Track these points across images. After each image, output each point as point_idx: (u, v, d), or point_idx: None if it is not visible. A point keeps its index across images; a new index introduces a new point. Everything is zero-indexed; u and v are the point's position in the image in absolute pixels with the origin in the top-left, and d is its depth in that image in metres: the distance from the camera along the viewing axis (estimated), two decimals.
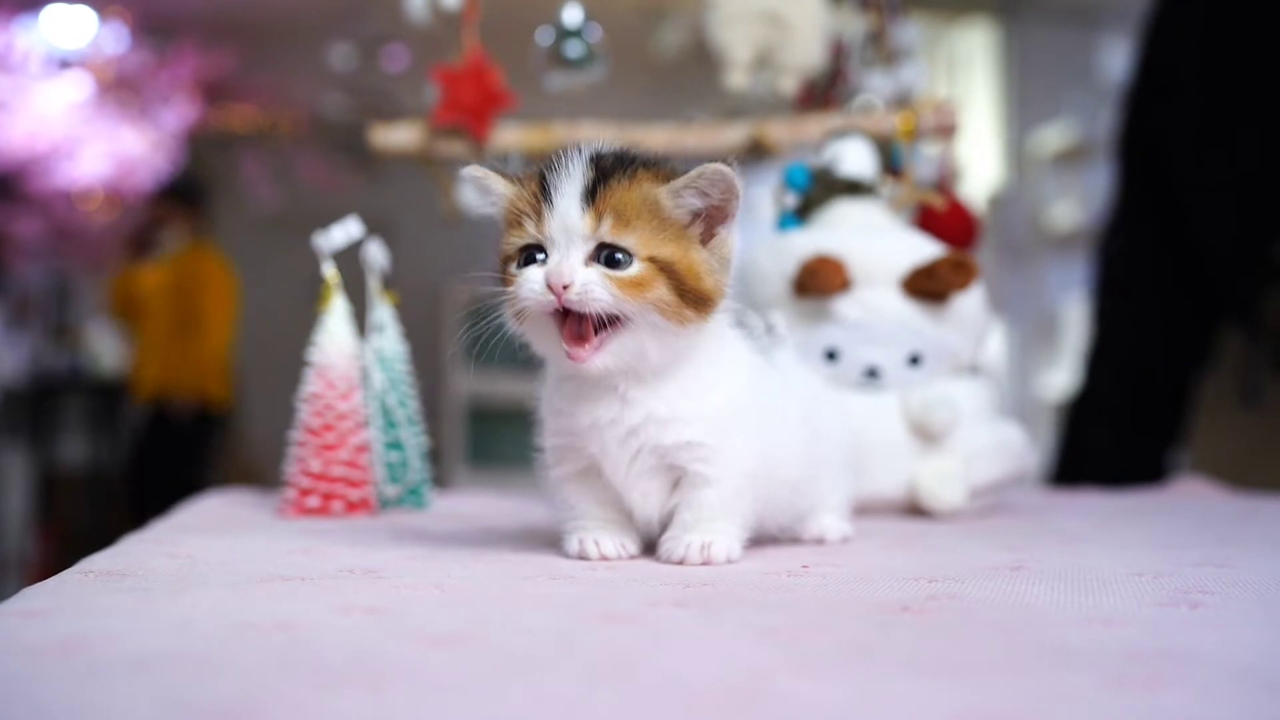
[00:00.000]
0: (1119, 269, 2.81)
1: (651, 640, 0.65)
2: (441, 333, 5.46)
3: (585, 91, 2.00)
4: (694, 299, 0.97)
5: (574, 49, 1.93)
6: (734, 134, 2.01)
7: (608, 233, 0.95)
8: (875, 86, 2.01)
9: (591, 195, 0.96)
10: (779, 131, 1.98)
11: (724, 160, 0.96)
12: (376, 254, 1.53)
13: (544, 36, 1.92)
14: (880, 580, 0.88)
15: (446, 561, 0.98)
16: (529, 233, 0.98)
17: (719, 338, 1.03)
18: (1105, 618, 0.71)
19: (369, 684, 0.55)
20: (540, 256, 0.97)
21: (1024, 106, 5.68)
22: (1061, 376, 5.00)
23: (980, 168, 5.43)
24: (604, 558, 1.02)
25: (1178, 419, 2.77)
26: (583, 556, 1.03)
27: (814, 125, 1.93)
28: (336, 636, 0.64)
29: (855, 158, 1.64)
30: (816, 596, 0.80)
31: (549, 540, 1.13)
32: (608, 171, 0.97)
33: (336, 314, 1.49)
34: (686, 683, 0.56)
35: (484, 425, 5.34)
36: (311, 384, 1.46)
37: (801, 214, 1.63)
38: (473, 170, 1.03)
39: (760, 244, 1.61)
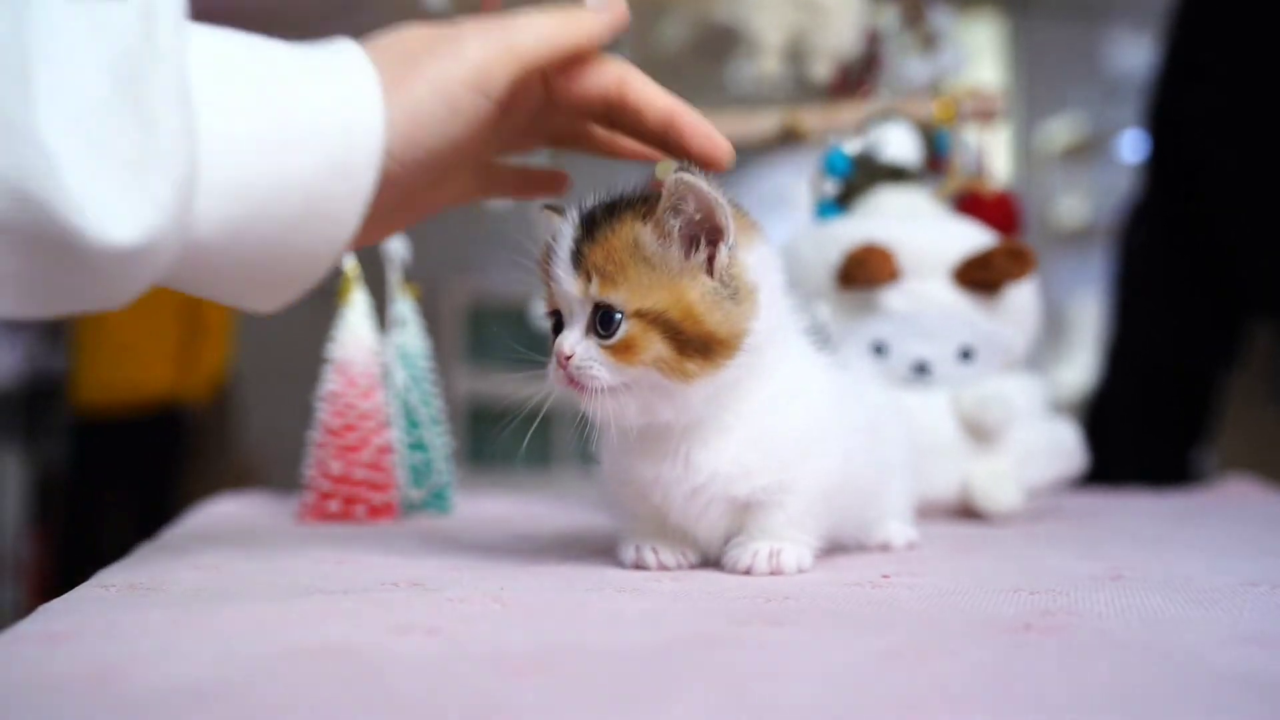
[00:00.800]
0: (1142, 263, 2.74)
1: (762, 664, 0.57)
2: (440, 330, 5.38)
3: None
4: (698, 347, 0.85)
5: None
6: (765, 121, 1.93)
7: (597, 292, 0.85)
8: (912, 73, 1.94)
9: (579, 254, 0.86)
10: (812, 119, 1.91)
11: (680, 166, 0.85)
12: (397, 246, 1.46)
13: None
14: (975, 592, 0.80)
15: (494, 572, 0.90)
16: (549, 303, 0.92)
17: (781, 360, 0.92)
18: (1259, 638, 0.64)
19: None
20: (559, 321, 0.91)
21: (1031, 101, 5.62)
22: (1071, 374, 4.94)
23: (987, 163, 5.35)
24: (663, 567, 0.94)
25: (1204, 417, 2.70)
26: (640, 566, 0.95)
27: (848, 113, 1.86)
28: (401, 664, 0.57)
29: (899, 143, 1.56)
30: (916, 611, 0.73)
31: (596, 548, 1.05)
32: (594, 224, 0.87)
33: (357, 308, 1.41)
34: (827, 714, 0.48)
35: (483, 426, 5.26)
36: (331, 381, 1.38)
37: (842, 201, 1.55)
38: (544, 216, 0.93)
39: (801, 233, 1.53)
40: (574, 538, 1.16)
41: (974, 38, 5.78)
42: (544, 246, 0.91)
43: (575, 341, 0.87)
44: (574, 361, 0.86)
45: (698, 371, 0.86)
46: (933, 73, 1.93)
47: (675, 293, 0.85)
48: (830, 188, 1.55)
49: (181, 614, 0.68)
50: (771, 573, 0.91)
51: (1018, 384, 1.46)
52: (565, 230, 0.88)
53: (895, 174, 1.54)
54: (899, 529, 1.10)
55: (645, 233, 0.85)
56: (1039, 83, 5.54)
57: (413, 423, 1.44)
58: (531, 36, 0.81)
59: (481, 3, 1.96)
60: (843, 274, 1.42)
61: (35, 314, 0.68)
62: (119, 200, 0.63)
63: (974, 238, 1.45)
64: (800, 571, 0.92)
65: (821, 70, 1.94)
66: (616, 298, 0.85)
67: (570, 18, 0.84)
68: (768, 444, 0.91)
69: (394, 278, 1.47)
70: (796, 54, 1.97)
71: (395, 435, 1.41)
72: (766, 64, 1.97)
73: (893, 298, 1.42)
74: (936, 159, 1.61)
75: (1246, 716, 0.49)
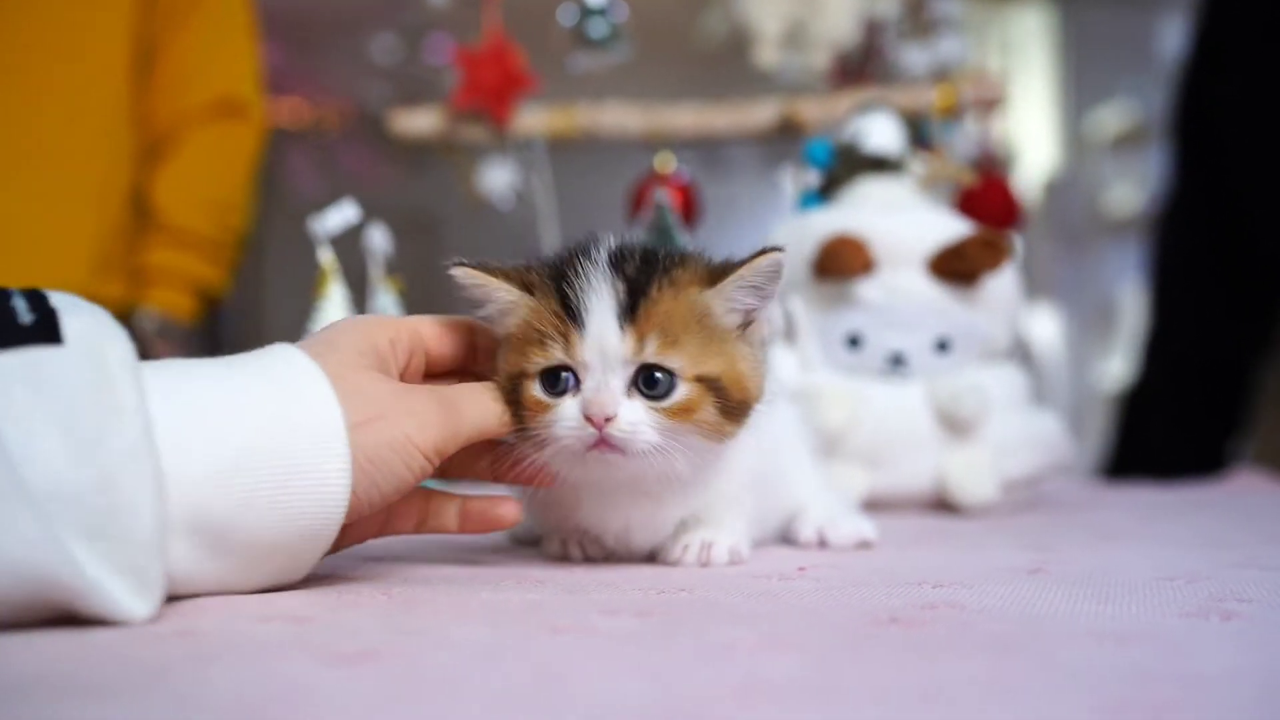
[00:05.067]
0: (1177, 254, 2.69)
1: (586, 657, 0.57)
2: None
3: (610, 72, 1.93)
4: (737, 409, 0.85)
5: (597, 28, 1.85)
6: (764, 112, 1.93)
7: (654, 354, 0.82)
8: (912, 61, 1.92)
9: (631, 311, 0.82)
10: (811, 110, 1.89)
11: (774, 246, 0.85)
12: (378, 239, 1.47)
13: (567, 16, 1.85)
14: (878, 585, 0.79)
15: (405, 567, 0.90)
16: (554, 356, 0.83)
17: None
18: (1121, 632, 0.62)
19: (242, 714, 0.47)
20: (565, 376, 0.84)
21: (1081, 89, 5.52)
22: (1119, 365, 4.85)
23: (1037, 152, 5.28)
24: (588, 559, 0.94)
25: (1240, 409, 2.65)
26: (564, 558, 0.95)
27: (847, 103, 1.84)
28: (244, 647, 0.57)
29: (881, 132, 1.54)
30: (801, 605, 0.72)
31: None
32: (644, 280, 0.83)
33: (334, 302, 1.42)
34: (608, 709, 0.48)
35: None
36: None
37: (824, 192, 1.54)
38: (464, 274, 0.86)
39: (778, 225, 1.52)
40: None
41: (1021, 26, 5.70)
42: (551, 295, 0.84)
43: (619, 402, 0.82)
44: (620, 423, 0.82)
45: (733, 432, 0.86)
46: (933, 60, 1.91)
47: (729, 360, 0.85)
48: (812, 178, 1.54)
49: None
50: (701, 564, 0.90)
51: (995, 375, 1.45)
52: (592, 285, 0.83)
53: (877, 164, 1.52)
54: (850, 526, 1.06)
55: (714, 301, 0.85)
56: (1088, 70, 5.44)
57: None
58: (471, 424, 0.81)
59: (481, 1, 1.97)
60: (817, 265, 1.41)
61: None
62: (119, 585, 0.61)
63: (949, 228, 1.43)
64: (733, 564, 0.91)
65: (820, 60, 1.93)
66: (675, 362, 0.83)
67: (496, 411, 0.83)
68: (733, 476, 0.92)
69: (375, 270, 1.48)
70: (796, 43, 1.96)
71: None
72: (764, 54, 1.96)
73: (867, 289, 1.41)
74: (922, 149, 1.58)
75: (1053, 712, 0.48)
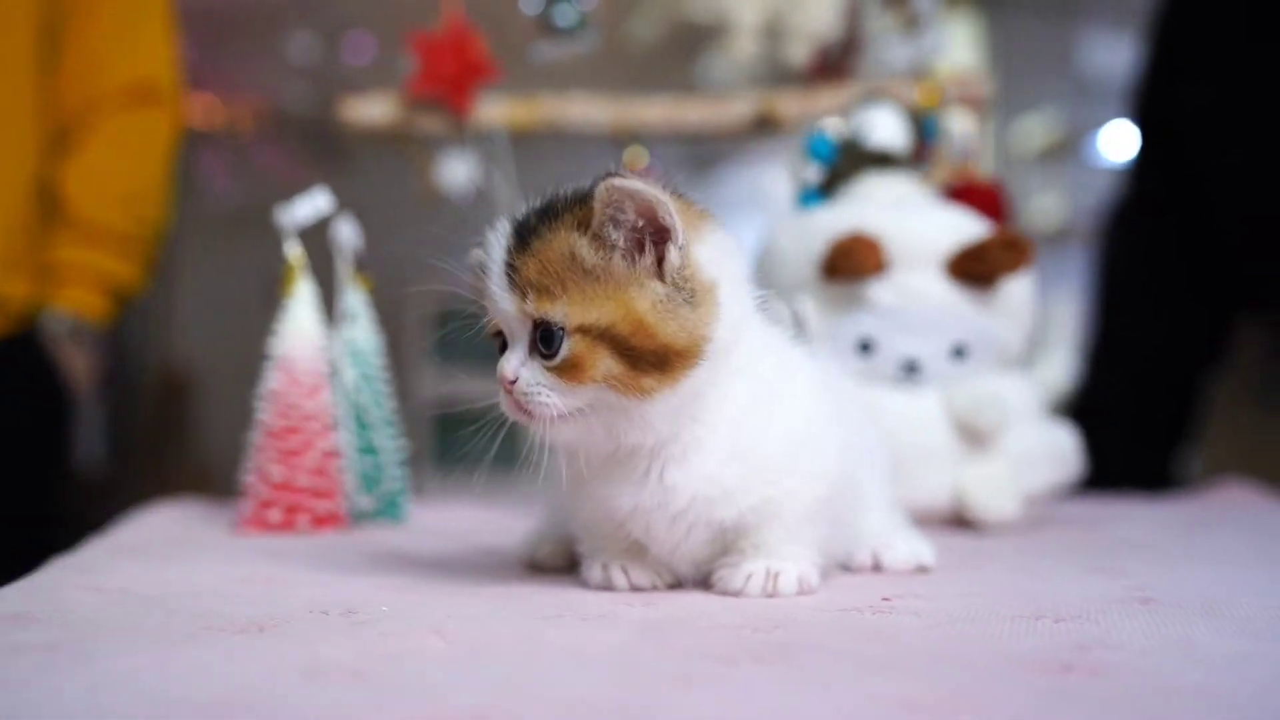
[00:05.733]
0: (1126, 263, 2.66)
1: (742, 715, 0.47)
2: (404, 331, 5.25)
3: (576, 62, 1.83)
4: (653, 360, 0.76)
5: (565, 15, 1.74)
6: (740, 106, 1.83)
7: (534, 308, 0.76)
8: (893, 56, 1.84)
9: (512, 267, 0.78)
10: (789, 105, 1.81)
11: (608, 172, 0.77)
12: (347, 233, 1.35)
13: (531, 3, 1.74)
14: (993, 620, 0.70)
15: (442, 596, 0.79)
16: (490, 321, 0.82)
17: (753, 358, 0.81)
18: None
19: None
20: (502, 340, 0.82)
21: (1005, 99, 5.54)
22: (1048, 374, 4.86)
23: (974, 152, 5.26)
24: (635, 588, 0.84)
25: (1188, 419, 2.63)
26: (608, 587, 0.84)
27: (827, 98, 1.76)
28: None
29: (885, 127, 1.46)
30: (926, 646, 0.62)
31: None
32: (527, 233, 0.78)
33: (302, 300, 1.30)
34: None
35: (451, 429, 5.13)
36: (273, 379, 1.26)
37: (825, 189, 1.45)
38: (477, 253, 0.83)
39: (781, 223, 1.43)
40: None
41: (951, 33, 5.70)
42: (476, 262, 0.82)
43: (518, 365, 0.78)
44: (518, 387, 0.77)
45: (656, 386, 0.76)
46: (914, 56, 1.83)
47: (622, 304, 0.76)
48: (813, 174, 1.45)
49: (56, 655, 0.57)
50: (767, 595, 0.80)
51: (1013, 384, 1.37)
52: (497, 242, 0.79)
53: (882, 159, 1.43)
54: (907, 548, 0.96)
55: (582, 243, 0.77)
56: (1014, 80, 5.46)
57: (363, 425, 1.33)
58: None
59: None
60: (827, 265, 1.32)
61: None
62: None
63: (967, 227, 1.35)
64: (801, 594, 0.81)
65: (799, 53, 1.85)
66: (555, 313, 0.76)
67: None
68: (750, 458, 0.80)
69: (343, 268, 1.36)
70: (774, 36, 1.87)
71: (344, 438, 1.30)
72: (742, 46, 1.87)
73: (880, 291, 1.32)
74: (923, 145, 1.50)
75: None
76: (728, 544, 0.83)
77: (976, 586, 0.86)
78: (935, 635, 0.65)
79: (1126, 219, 2.65)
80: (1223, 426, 2.81)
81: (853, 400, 0.98)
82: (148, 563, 0.93)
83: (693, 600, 0.80)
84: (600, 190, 0.76)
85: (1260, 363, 2.79)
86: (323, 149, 6.14)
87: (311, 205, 1.28)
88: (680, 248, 0.77)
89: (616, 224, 0.77)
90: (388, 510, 1.33)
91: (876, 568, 0.95)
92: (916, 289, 1.32)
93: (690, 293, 0.77)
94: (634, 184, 0.76)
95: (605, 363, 0.76)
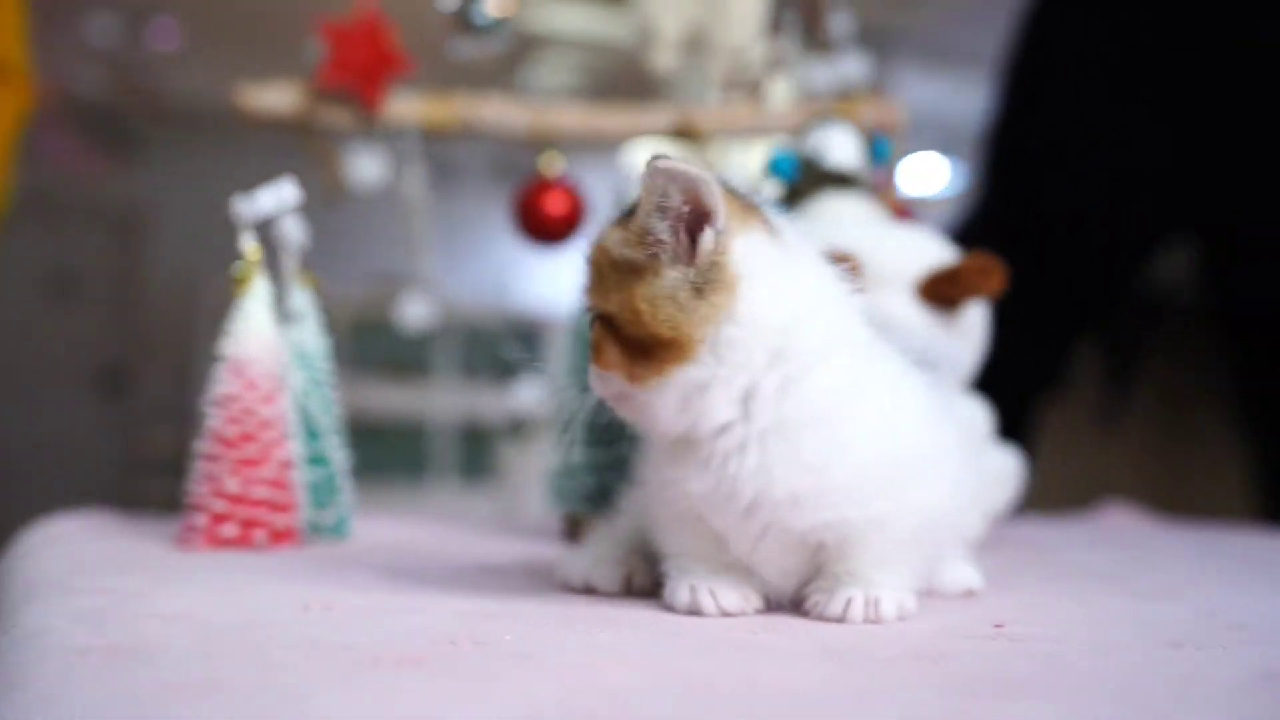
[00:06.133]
0: None
1: None
2: (195, 334, 4.99)
3: (492, 62, 1.77)
4: (643, 351, 0.76)
5: (481, 14, 1.69)
6: (657, 118, 1.81)
7: (585, 297, 0.81)
8: (814, 77, 1.85)
9: (589, 259, 0.82)
10: (707, 118, 1.80)
11: (655, 155, 0.77)
12: (293, 229, 1.26)
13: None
14: (1133, 647, 0.70)
15: (548, 625, 0.74)
16: None
17: (825, 361, 0.79)
18: None
19: None
20: None
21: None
22: None
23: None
24: (725, 613, 0.80)
25: (1022, 442, 2.73)
26: (696, 611, 0.80)
27: (745, 114, 1.76)
28: None
29: (841, 147, 1.46)
30: (1091, 673, 0.61)
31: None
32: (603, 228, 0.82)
33: (257, 298, 1.21)
34: None
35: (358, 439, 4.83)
36: (227, 383, 1.17)
37: (783, 205, 1.44)
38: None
39: None
40: (532, 566, 1.01)
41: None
42: None
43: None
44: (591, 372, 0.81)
45: (645, 375, 0.76)
46: (835, 79, 1.85)
47: (627, 294, 0.77)
48: (772, 190, 1.44)
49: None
50: (868, 621, 0.78)
51: (969, 407, 1.39)
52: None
53: (840, 179, 1.44)
54: (967, 571, 0.96)
55: (614, 235, 0.78)
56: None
57: (312, 433, 1.24)
58: None
59: None
60: None
61: None
62: None
63: (934, 250, 1.36)
64: (900, 619, 0.79)
65: (720, 67, 1.84)
66: (591, 302, 0.80)
67: None
68: (823, 472, 0.78)
69: (289, 265, 1.27)
70: (694, 48, 1.86)
71: (294, 448, 1.21)
72: (662, 57, 1.85)
73: None
74: (878, 164, 1.52)
75: None
76: (819, 564, 0.81)
77: (1069, 612, 0.85)
78: (1090, 666, 0.65)
79: (966, 242, 2.75)
80: (1060, 447, 2.92)
81: (970, 434, 0.97)
82: (70, 592, 0.82)
83: (793, 627, 0.77)
84: (645, 174, 0.76)
85: (1097, 385, 2.93)
86: (116, 137, 5.79)
87: (275, 196, 1.20)
88: (719, 232, 0.76)
89: (664, 211, 0.76)
90: (337, 527, 1.25)
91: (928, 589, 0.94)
92: (888, 310, 1.32)
93: (706, 282, 0.76)
94: (677, 164, 0.76)
95: (610, 350, 0.77)
